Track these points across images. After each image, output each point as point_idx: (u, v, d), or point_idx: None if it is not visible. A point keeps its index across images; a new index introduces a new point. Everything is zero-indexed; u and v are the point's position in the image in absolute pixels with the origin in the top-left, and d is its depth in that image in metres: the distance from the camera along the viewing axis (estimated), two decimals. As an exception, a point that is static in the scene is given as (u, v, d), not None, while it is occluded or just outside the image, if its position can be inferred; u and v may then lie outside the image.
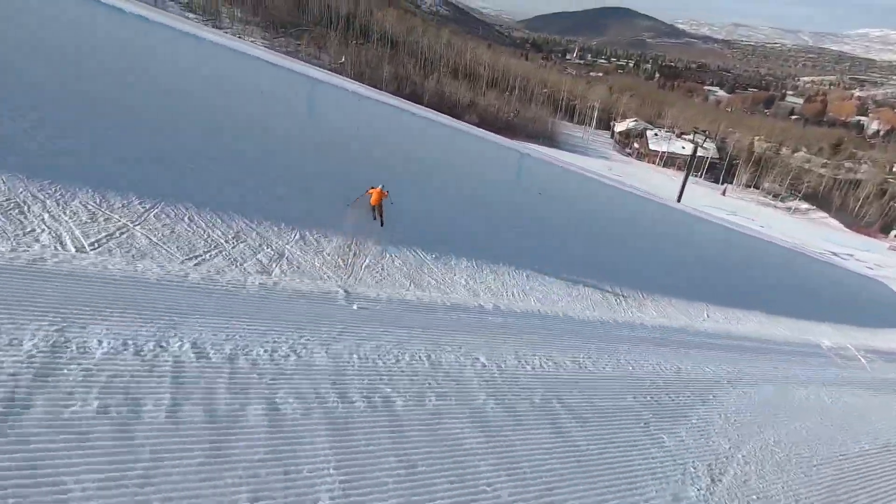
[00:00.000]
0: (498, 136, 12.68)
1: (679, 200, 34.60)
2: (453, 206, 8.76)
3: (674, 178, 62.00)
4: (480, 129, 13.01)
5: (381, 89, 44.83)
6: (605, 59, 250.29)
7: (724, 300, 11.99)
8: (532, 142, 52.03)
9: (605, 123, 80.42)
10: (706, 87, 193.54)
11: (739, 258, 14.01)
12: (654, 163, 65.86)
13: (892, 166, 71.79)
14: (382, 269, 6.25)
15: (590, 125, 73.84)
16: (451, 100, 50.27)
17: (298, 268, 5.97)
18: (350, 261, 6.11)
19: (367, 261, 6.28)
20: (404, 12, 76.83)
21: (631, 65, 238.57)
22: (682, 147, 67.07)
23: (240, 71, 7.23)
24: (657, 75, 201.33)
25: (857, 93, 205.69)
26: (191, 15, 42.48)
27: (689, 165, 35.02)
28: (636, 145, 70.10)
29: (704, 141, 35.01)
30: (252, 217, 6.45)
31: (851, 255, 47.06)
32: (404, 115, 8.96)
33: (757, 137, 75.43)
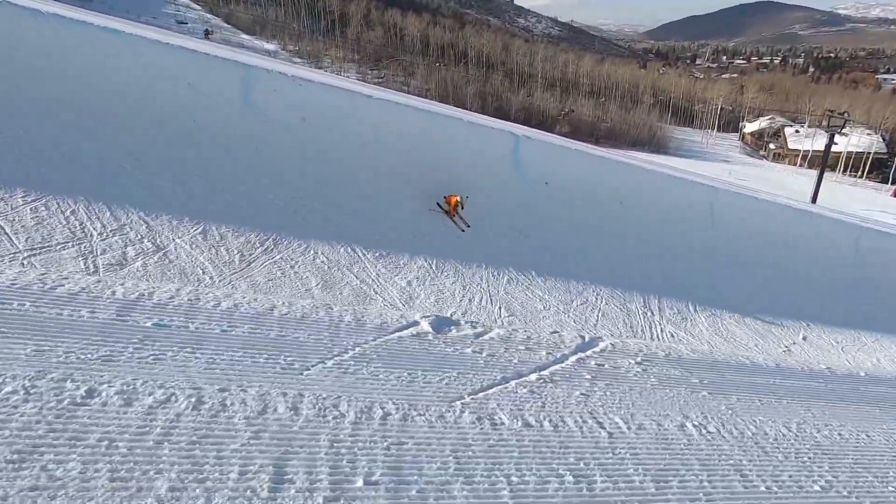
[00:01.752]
0: (491, 120, 11.23)
1: (814, 201, 28.35)
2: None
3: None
4: (479, 115, 11.70)
5: (465, 108, 45.30)
6: (742, 59, 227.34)
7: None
8: (635, 150, 47.83)
9: (734, 126, 71.05)
10: (878, 76, 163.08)
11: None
12: (794, 164, 55.71)
13: None
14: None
15: (711, 129, 65.51)
16: (540, 113, 48.17)
17: (170, 262, 5.31)
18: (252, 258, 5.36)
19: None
20: (511, 37, 77.28)
21: (776, 61, 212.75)
22: (835, 143, 56.01)
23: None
24: (811, 69, 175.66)
25: None
26: (297, 60, 47.66)
27: (825, 158, 28.67)
28: (772, 146, 60.20)
29: (843, 126, 28.36)
30: (151, 211, 5.98)
31: None
32: (360, 98, 8.01)
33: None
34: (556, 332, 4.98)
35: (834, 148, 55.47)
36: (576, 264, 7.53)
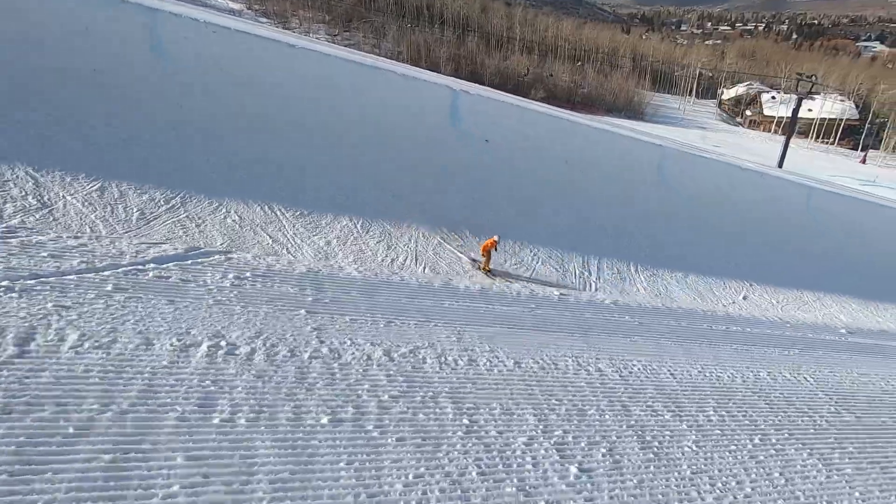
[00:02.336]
0: (429, 73, 10.75)
1: (780, 165, 28.56)
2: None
3: (793, 145, 52.10)
4: (412, 68, 11.15)
5: (439, 72, 43.96)
6: (727, 25, 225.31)
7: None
8: (611, 116, 47.36)
9: (713, 93, 70.68)
10: (860, 44, 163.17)
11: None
12: (769, 130, 55.95)
13: None
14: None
15: (689, 95, 65.12)
16: (516, 77, 46.99)
17: (54, 220, 4.92)
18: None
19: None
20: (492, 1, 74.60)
21: (761, 28, 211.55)
22: (809, 109, 56.39)
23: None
24: (794, 36, 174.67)
25: None
26: (263, 20, 45.40)
27: (792, 123, 28.77)
28: (748, 113, 60.21)
29: (811, 89, 28.31)
30: (43, 166, 5.49)
31: None
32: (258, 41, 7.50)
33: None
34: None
35: (807, 115, 56.03)
36: (515, 225, 7.35)
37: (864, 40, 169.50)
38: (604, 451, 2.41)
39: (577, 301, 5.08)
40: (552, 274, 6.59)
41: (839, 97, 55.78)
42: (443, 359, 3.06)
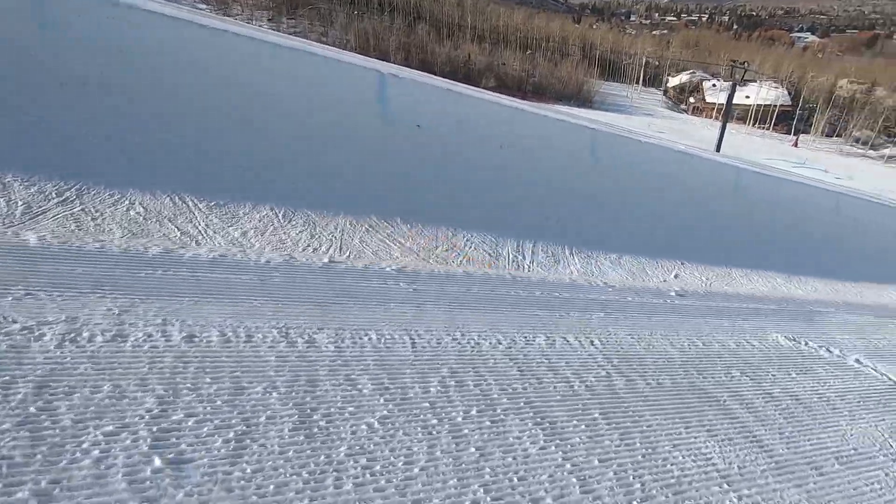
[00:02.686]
0: (355, 56, 10.41)
1: (718, 150, 29.89)
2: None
3: (731, 131, 54.74)
4: (339, 51, 10.81)
5: (388, 61, 43.40)
6: (673, 16, 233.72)
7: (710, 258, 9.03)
8: (561, 104, 48.16)
9: (660, 81, 73.20)
10: (794, 35, 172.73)
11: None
12: (711, 117, 58.50)
13: None
14: None
15: (636, 83, 67.18)
16: (467, 66, 47.09)
17: None
18: None
19: None
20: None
21: (704, 19, 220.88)
22: (746, 96, 59.30)
23: None
24: (734, 27, 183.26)
25: None
26: (202, 6, 43.24)
27: (727, 108, 30.06)
28: (692, 100, 62.76)
29: (744, 75, 29.71)
30: None
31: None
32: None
33: (848, 79, 64.95)
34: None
35: (745, 101, 58.87)
36: (447, 211, 7.28)
37: (798, 31, 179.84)
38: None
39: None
40: (485, 258, 6.54)
41: (773, 84, 58.92)
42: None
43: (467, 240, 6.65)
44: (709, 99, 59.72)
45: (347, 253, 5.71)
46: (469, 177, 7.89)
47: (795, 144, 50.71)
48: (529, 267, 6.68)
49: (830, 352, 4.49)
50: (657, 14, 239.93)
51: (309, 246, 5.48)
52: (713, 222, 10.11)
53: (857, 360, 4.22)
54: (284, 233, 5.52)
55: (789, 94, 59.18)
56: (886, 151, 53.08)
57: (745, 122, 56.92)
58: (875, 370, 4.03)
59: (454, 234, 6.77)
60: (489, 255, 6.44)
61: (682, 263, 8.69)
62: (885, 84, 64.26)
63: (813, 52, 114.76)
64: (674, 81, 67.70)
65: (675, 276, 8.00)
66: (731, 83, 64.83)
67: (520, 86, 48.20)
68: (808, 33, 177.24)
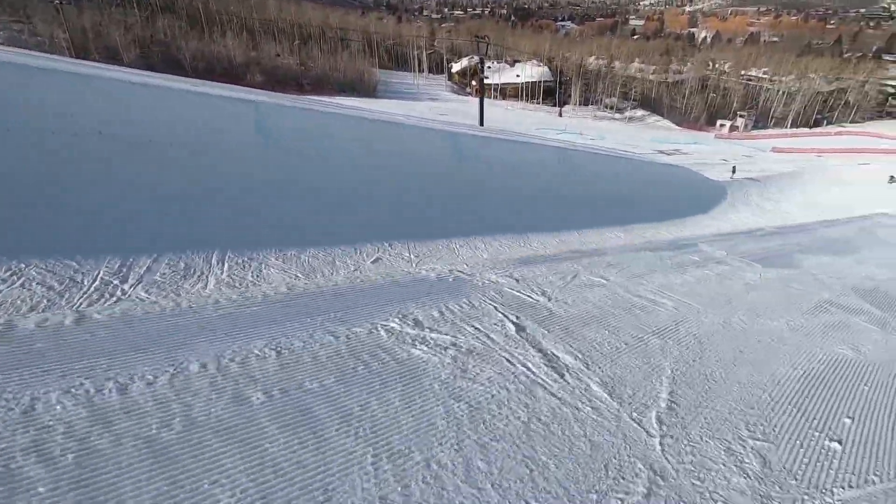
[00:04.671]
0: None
1: (481, 123, 30.77)
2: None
3: (508, 108, 59.57)
4: None
5: (120, 61, 35.88)
6: (461, 10, 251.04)
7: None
8: (342, 96, 46.07)
9: (445, 69, 76.33)
10: (558, 24, 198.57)
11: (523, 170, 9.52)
12: (491, 96, 62.69)
13: (712, 63, 75.05)
14: None
15: (422, 71, 69.04)
16: (227, 60, 41.72)
17: None
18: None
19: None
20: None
21: (487, 12, 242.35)
22: (517, 76, 64.71)
23: None
24: (511, 18, 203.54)
25: (687, 8, 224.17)
26: None
27: (481, 83, 31.01)
28: (473, 83, 66.50)
29: (487, 49, 30.98)
30: None
31: (678, 150, 47.38)
32: None
33: (592, 56, 75.24)
34: None
35: (515, 80, 64.22)
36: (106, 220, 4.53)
37: (561, 21, 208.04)
38: None
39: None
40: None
41: (537, 63, 65.54)
42: None
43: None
44: (487, 81, 63.95)
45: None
46: (141, 182, 5.05)
47: (560, 114, 56.95)
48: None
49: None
50: (446, 9, 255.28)
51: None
52: (431, 194, 8.45)
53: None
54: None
55: (551, 72, 66.41)
56: (628, 114, 63.05)
57: (517, 99, 62.28)
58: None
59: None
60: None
61: (390, 244, 6.72)
62: (620, 59, 76.37)
63: (572, 38, 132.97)
64: (456, 67, 71.06)
65: (377, 260, 5.97)
66: (505, 65, 70.00)
67: (296, 80, 44.66)
68: (569, 21, 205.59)
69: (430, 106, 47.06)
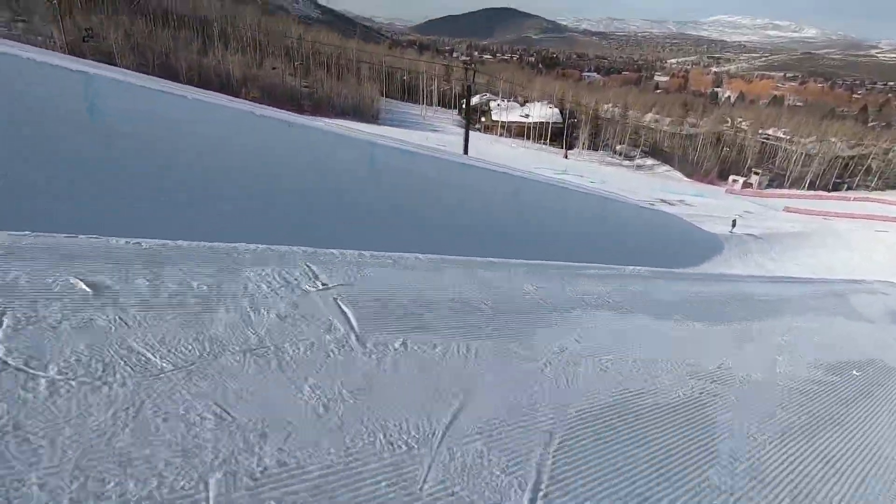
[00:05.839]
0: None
1: (465, 152, 29.25)
2: None
3: (512, 145, 58.49)
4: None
5: (114, 63, 35.74)
6: (490, 55, 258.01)
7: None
8: (342, 118, 45.47)
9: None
10: (584, 74, 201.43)
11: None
12: (497, 133, 62.00)
13: (731, 120, 73.58)
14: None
15: (431, 104, 69.23)
16: (224, 76, 41.62)
17: None
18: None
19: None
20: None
21: (515, 59, 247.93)
22: (526, 115, 63.93)
23: None
24: (539, 65, 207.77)
25: (713, 69, 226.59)
26: None
27: (467, 112, 29.72)
28: (483, 119, 66.18)
29: (475, 75, 29.77)
30: None
31: (682, 201, 45.17)
32: None
33: (608, 104, 74.54)
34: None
35: (524, 120, 63.42)
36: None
37: (587, 72, 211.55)
38: None
39: None
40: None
41: (549, 105, 64.96)
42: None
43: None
44: (494, 117, 63.46)
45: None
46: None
47: (566, 156, 55.57)
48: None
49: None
50: (476, 53, 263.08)
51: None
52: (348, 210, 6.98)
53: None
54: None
55: (562, 114, 65.68)
56: (637, 161, 61.37)
57: (523, 138, 61.37)
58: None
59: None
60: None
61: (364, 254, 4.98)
62: (636, 108, 75.54)
63: (594, 86, 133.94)
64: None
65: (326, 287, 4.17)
66: (515, 104, 69.29)
67: (294, 98, 44.36)
68: (595, 73, 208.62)
69: (427, 135, 45.97)
